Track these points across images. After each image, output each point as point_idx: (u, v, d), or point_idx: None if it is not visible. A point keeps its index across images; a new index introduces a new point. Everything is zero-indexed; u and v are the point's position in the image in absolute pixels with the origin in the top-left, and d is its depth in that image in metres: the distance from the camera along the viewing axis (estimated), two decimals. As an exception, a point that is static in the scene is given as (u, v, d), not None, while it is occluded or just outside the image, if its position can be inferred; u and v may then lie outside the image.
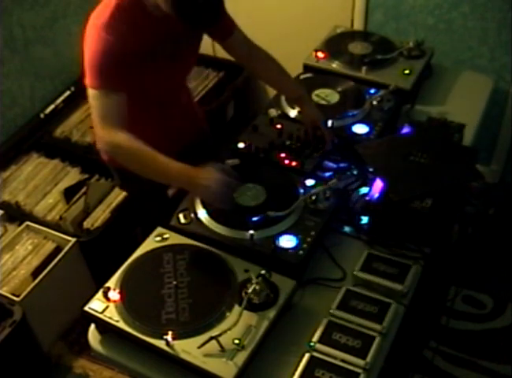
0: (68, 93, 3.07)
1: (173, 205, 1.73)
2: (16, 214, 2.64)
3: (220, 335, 1.36)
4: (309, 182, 1.75)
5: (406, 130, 1.91)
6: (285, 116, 2.01)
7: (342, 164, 1.88)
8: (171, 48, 1.77)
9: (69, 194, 2.69)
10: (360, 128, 1.95)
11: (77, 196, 2.69)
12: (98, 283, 1.56)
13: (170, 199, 2.03)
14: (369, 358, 1.37)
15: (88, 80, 1.66)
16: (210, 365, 1.33)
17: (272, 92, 2.22)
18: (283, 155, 1.85)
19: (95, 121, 1.67)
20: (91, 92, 1.66)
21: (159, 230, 1.66)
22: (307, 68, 2.27)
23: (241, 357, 1.34)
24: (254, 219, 1.61)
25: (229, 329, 1.38)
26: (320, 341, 1.41)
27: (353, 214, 1.75)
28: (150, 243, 1.62)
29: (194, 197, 1.70)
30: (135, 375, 1.48)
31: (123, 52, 1.62)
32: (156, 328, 1.40)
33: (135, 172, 1.68)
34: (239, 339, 1.36)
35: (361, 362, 1.36)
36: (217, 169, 1.62)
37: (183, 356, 1.35)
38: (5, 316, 2.22)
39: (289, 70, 2.19)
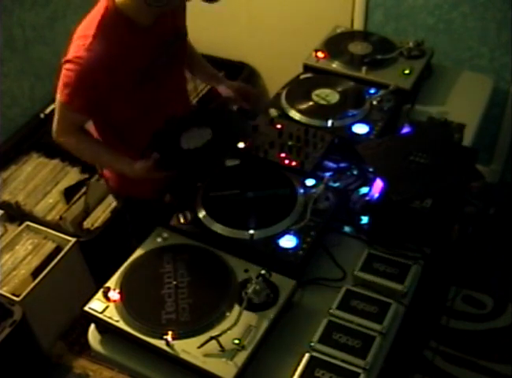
0: (68, 93, 3.07)
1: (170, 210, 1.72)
2: (16, 214, 2.64)
3: (220, 335, 1.36)
4: (310, 182, 1.75)
5: (406, 130, 1.91)
6: (285, 116, 2.01)
7: (342, 164, 1.88)
8: (165, 60, 1.75)
9: (69, 194, 2.69)
10: (360, 128, 1.94)
11: (77, 196, 2.69)
12: (98, 283, 1.56)
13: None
14: (369, 358, 1.37)
15: (59, 89, 1.64)
16: (210, 365, 1.33)
17: (272, 92, 2.22)
18: (283, 155, 1.85)
19: (53, 122, 1.72)
20: (57, 99, 1.67)
21: (159, 230, 1.66)
22: (307, 68, 2.27)
23: (241, 357, 1.34)
24: None
25: (229, 329, 1.38)
26: (320, 341, 1.41)
27: (353, 214, 1.75)
28: (150, 243, 1.62)
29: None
30: (135, 375, 1.48)
31: (100, 74, 1.58)
32: (156, 328, 1.40)
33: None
34: (239, 339, 1.36)
35: (361, 362, 1.36)
36: (142, 168, 1.68)
37: (183, 356, 1.35)
38: (5, 316, 2.22)
39: (289, 70, 2.20)
